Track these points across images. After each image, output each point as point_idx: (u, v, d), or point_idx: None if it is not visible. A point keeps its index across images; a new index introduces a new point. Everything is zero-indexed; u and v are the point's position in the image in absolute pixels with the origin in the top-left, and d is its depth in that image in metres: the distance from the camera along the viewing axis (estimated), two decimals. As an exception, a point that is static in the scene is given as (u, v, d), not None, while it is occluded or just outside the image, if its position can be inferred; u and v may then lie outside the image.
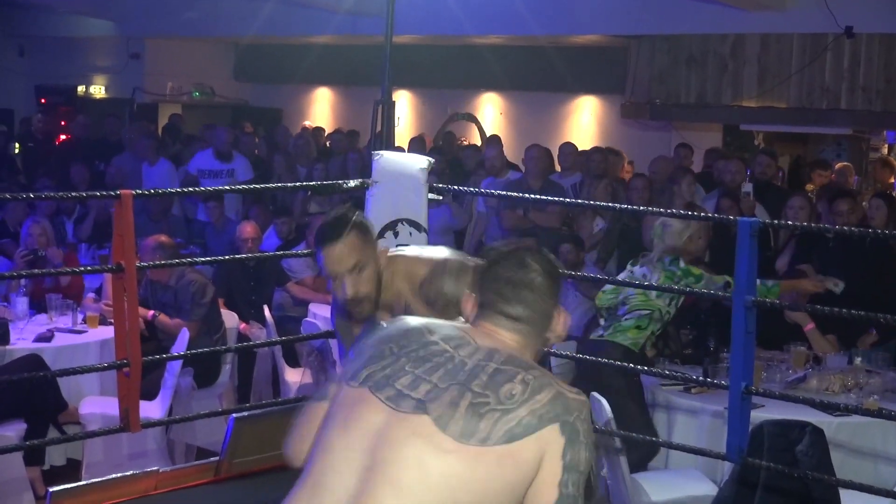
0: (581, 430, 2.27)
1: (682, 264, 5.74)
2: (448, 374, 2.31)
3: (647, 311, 5.73)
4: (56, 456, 6.14)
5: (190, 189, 7.98)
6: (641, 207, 6.59)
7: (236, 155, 10.54)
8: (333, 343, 6.82)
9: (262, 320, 7.52)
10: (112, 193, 4.88)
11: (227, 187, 8.33)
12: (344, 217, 3.34)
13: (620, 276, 5.99)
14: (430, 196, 5.19)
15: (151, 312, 6.66)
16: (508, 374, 2.30)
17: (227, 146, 10.46)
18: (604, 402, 5.15)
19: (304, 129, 13.96)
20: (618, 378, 5.58)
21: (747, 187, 8.19)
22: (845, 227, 6.53)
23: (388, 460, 2.23)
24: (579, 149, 10.40)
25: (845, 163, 10.84)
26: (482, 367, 2.31)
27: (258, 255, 7.55)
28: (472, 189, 7.82)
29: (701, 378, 5.18)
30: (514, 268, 2.46)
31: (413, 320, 2.52)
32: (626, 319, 5.78)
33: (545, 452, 2.24)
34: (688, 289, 5.60)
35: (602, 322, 6.04)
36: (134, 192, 4.81)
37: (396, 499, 2.19)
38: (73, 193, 8.06)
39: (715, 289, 5.57)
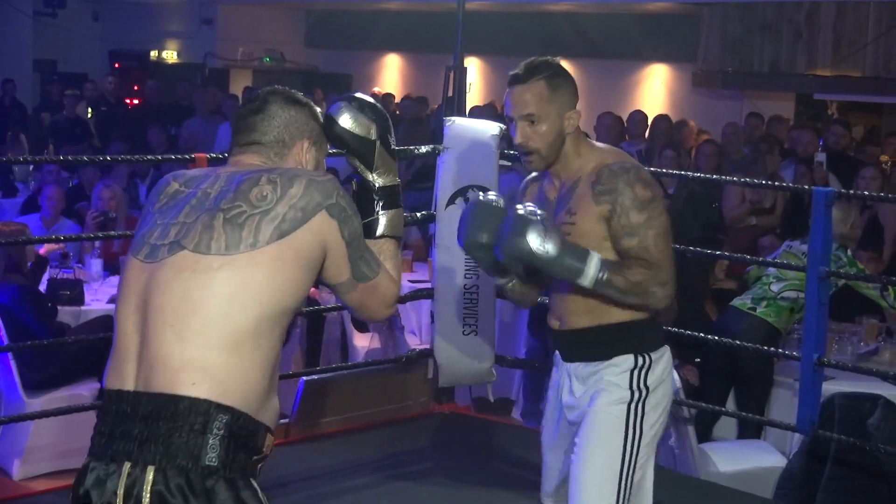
0: (345, 205, 2.30)
1: (848, 252, 5.59)
2: (194, 209, 2.28)
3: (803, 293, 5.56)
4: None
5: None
6: (711, 176, 6.51)
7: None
8: (402, 308, 6.87)
9: (331, 285, 7.56)
10: (187, 157, 4.94)
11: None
12: (541, 64, 3.05)
13: (780, 250, 5.85)
14: (501, 162, 5.19)
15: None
16: (252, 180, 2.28)
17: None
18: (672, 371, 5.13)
19: (374, 95, 13.97)
20: (756, 360, 5.49)
21: (820, 157, 8.08)
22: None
23: (158, 305, 2.19)
24: (649, 117, 10.31)
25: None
26: (227, 189, 2.29)
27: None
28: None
29: (773, 349, 5.12)
30: (251, 104, 2.47)
31: (169, 175, 2.48)
32: (782, 299, 5.54)
33: (324, 239, 2.27)
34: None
35: (751, 293, 5.76)
36: (208, 154, 4.86)
37: (176, 334, 2.15)
38: (148, 157, 8.11)
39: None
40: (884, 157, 9.55)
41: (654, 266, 2.92)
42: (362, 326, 7.48)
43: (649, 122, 10.05)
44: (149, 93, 13.17)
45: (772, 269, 5.61)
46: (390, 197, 2.51)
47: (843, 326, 5.77)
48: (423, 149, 5.54)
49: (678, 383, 5.08)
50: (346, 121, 2.48)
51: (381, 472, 4.94)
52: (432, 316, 5.33)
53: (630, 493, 3.02)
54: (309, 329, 7.26)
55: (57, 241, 6.08)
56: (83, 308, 5.79)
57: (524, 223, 2.83)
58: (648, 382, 3.02)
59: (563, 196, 3.07)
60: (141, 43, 16.97)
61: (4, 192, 9.49)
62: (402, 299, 6.01)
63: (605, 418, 3.01)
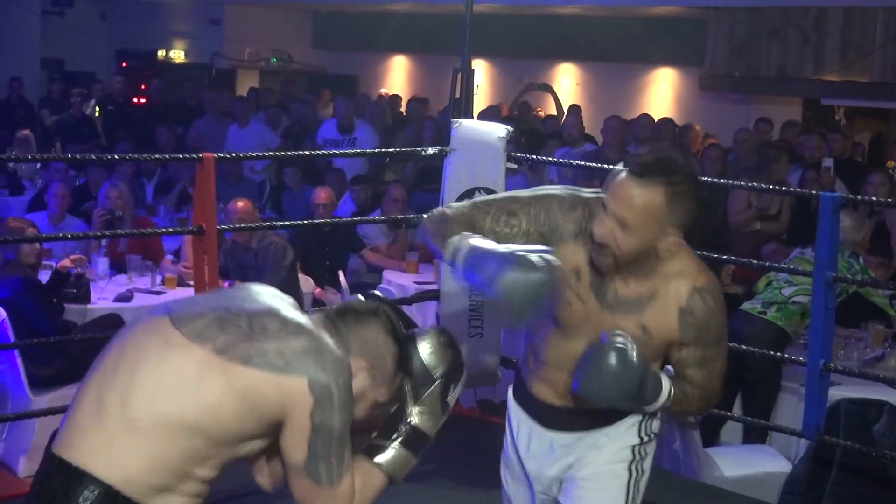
0: (336, 394, 2.11)
1: (860, 260, 5.58)
2: (216, 299, 2.26)
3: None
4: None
5: (264, 154, 8.05)
6: (717, 180, 6.51)
7: (360, 124, 10.41)
8: (407, 310, 6.86)
9: (337, 286, 7.55)
10: (195, 156, 4.93)
11: (300, 152, 8.40)
12: (668, 162, 2.56)
13: (792, 255, 5.84)
14: (508, 164, 5.18)
15: (228, 283, 6.72)
16: (272, 312, 2.17)
17: (346, 118, 10.34)
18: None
19: (381, 96, 13.96)
20: (764, 363, 5.47)
21: (828, 162, 8.08)
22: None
23: (111, 354, 2.20)
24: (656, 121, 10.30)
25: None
26: (254, 302, 2.21)
27: (334, 220, 7.58)
28: (550, 159, 7.81)
29: (779, 354, 5.11)
30: (364, 310, 2.32)
31: None
32: (792, 303, 5.53)
33: (289, 405, 2.09)
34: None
35: (758, 293, 5.76)
36: (216, 155, 4.86)
37: (96, 393, 2.15)
38: (156, 156, 8.11)
39: None
40: (891, 163, 9.55)
41: (710, 393, 2.81)
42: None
43: (655, 126, 10.05)
44: (155, 92, 13.18)
45: (783, 275, 5.60)
46: (415, 442, 2.33)
47: (849, 332, 5.76)
48: (430, 150, 5.55)
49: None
50: (424, 346, 2.35)
51: (385, 473, 4.93)
52: (438, 318, 5.32)
53: None
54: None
55: (64, 238, 6.08)
56: (89, 306, 5.80)
57: (637, 378, 2.64)
58: (653, 429, 2.93)
59: (627, 296, 2.71)
60: (148, 42, 16.98)
61: (11, 191, 9.50)
62: (409, 301, 6.01)
63: (609, 475, 2.89)
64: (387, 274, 7.67)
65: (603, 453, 2.87)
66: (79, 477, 2.05)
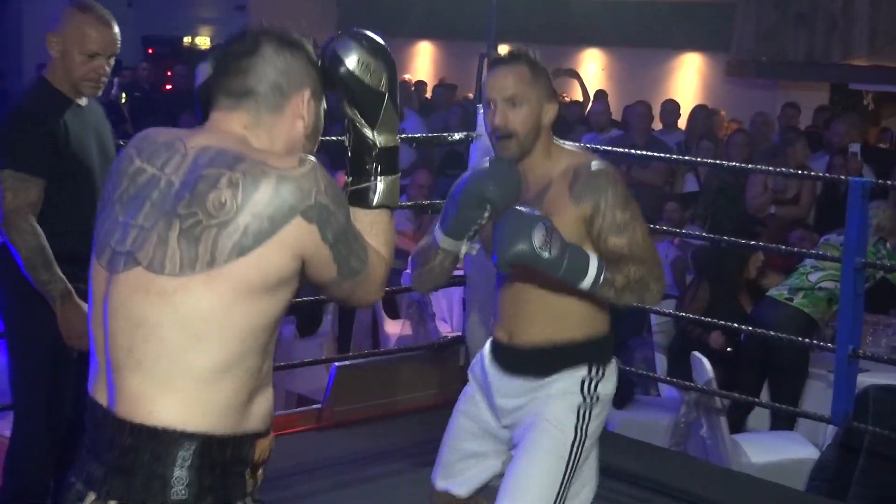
0: (326, 201, 1.91)
1: (887, 245, 5.55)
2: (154, 207, 1.93)
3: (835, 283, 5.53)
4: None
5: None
6: (745, 165, 6.46)
7: (408, 113, 10.35)
8: (433, 295, 6.86)
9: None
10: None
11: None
12: (523, 51, 2.94)
13: (820, 241, 5.81)
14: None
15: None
16: (210, 180, 1.89)
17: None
18: (705, 361, 5.10)
19: (405, 82, 13.96)
20: (791, 350, 5.45)
21: (854, 147, 8.02)
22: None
23: (115, 329, 1.91)
24: (682, 106, 10.27)
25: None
26: (188, 182, 1.91)
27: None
28: (577, 144, 7.77)
29: (807, 340, 5.09)
30: (240, 43, 2.06)
31: (129, 145, 2.08)
32: (819, 289, 5.52)
33: (300, 248, 1.91)
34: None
35: (787, 283, 5.73)
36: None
37: (134, 361, 1.89)
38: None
39: None
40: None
41: (646, 262, 2.85)
42: (393, 313, 7.49)
43: (681, 112, 10.01)
44: (181, 79, 13.20)
45: (809, 260, 5.57)
46: (390, 160, 2.11)
47: (877, 318, 5.73)
48: (457, 135, 5.56)
49: (710, 374, 5.06)
50: (355, 64, 2.05)
51: (411, 458, 4.94)
52: (464, 303, 5.32)
53: (565, 500, 2.94)
54: (340, 315, 7.28)
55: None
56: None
57: (528, 223, 2.69)
58: (598, 392, 2.96)
59: (533, 198, 2.91)
60: (174, 29, 17.05)
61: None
62: (435, 286, 6.01)
63: (551, 429, 2.92)
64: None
65: (548, 408, 2.94)
66: (168, 438, 1.86)
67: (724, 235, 5.46)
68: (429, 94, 13.14)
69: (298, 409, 5.61)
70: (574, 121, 10.32)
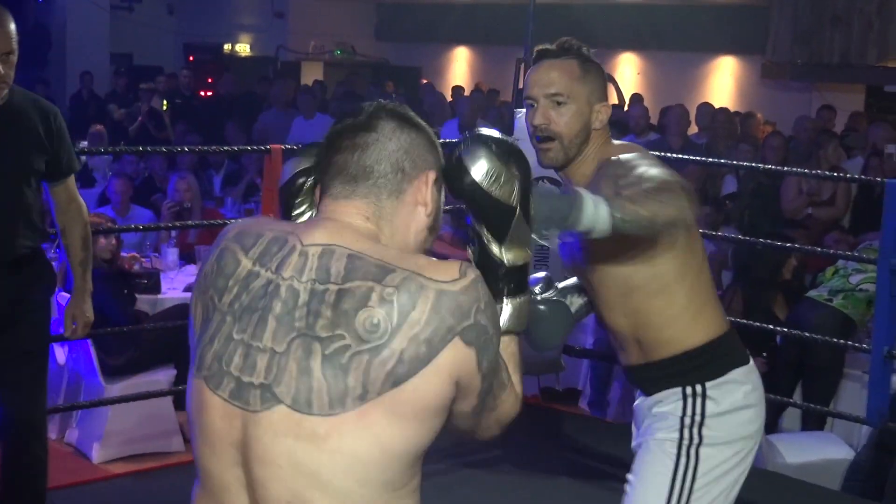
0: (486, 322, 1.66)
1: None
2: (281, 325, 1.65)
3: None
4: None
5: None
6: (779, 167, 6.46)
7: (482, 125, 10.30)
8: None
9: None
10: (263, 148, 4.99)
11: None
12: (574, 43, 2.61)
13: (863, 245, 5.78)
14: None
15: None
16: (359, 297, 1.62)
17: (468, 117, 10.21)
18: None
19: (427, 85, 13.97)
20: (827, 350, 5.40)
21: (891, 148, 7.98)
22: None
23: (265, 480, 1.66)
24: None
25: None
26: (320, 294, 1.64)
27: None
28: (629, 143, 7.77)
29: (842, 341, 5.07)
30: (356, 119, 1.79)
31: (227, 239, 1.80)
32: (860, 290, 5.46)
33: (457, 376, 1.65)
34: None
35: (826, 282, 5.69)
36: (284, 146, 4.91)
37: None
38: (225, 147, 8.18)
39: None
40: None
41: (656, 190, 2.32)
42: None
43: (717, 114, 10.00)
44: (222, 85, 13.30)
45: (851, 263, 5.55)
46: (519, 280, 1.86)
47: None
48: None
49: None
50: (483, 175, 1.78)
51: (451, 458, 4.96)
52: (502, 306, 5.32)
53: None
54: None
55: (136, 230, 6.17)
56: (160, 297, 5.86)
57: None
58: (706, 414, 2.58)
59: None
60: (215, 36, 17.14)
61: (83, 183, 9.62)
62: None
63: (654, 454, 2.64)
64: (450, 262, 7.69)
65: (657, 426, 2.65)
66: None
67: (761, 237, 5.45)
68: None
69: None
70: (610, 124, 10.27)
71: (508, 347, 1.84)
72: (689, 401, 2.59)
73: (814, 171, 5.87)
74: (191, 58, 16.84)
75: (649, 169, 2.40)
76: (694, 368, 2.59)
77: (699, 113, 9.87)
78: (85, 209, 3.72)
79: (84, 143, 9.70)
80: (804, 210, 7.52)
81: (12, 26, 3.31)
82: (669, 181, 2.36)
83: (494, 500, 4.67)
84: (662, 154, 6.51)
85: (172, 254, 6.53)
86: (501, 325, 1.81)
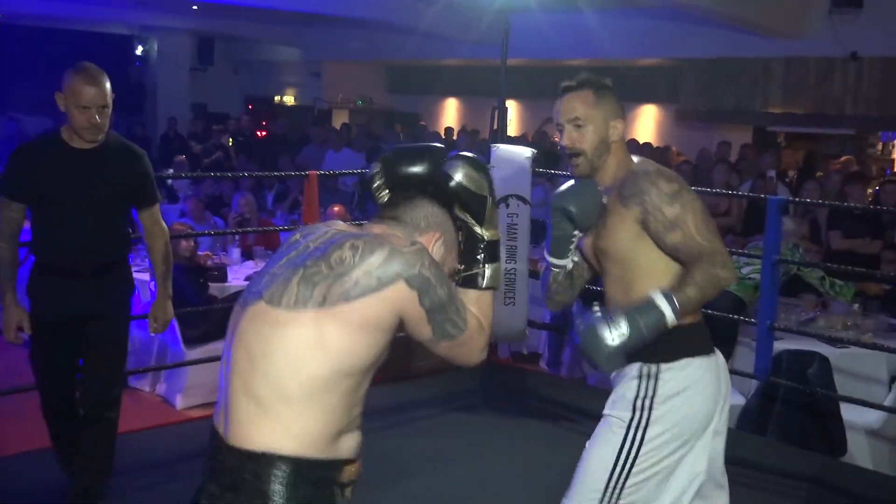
0: (429, 275, 1.76)
1: (800, 250, 5.49)
2: (290, 261, 1.82)
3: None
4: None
5: (353, 171, 8.09)
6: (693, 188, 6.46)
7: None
8: (543, 273, 6.83)
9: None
10: (303, 174, 4.98)
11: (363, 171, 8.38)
12: (588, 76, 2.56)
13: (751, 244, 5.76)
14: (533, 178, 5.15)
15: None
16: (339, 243, 1.77)
17: (462, 150, 10.12)
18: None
19: (424, 126, 13.94)
20: (724, 324, 5.39)
21: (771, 173, 7.97)
22: (856, 205, 6.31)
23: (233, 357, 1.79)
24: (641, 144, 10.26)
25: (849, 156, 10.45)
26: (321, 247, 1.81)
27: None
28: (565, 173, 7.76)
29: (736, 317, 5.06)
30: (404, 192, 1.93)
31: (298, 231, 1.97)
32: (748, 279, 5.40)
33: (400, 307, 1.75)
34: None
35: None
36: (318, 172, 4.89)
37: (244, 387, 1.75)
38: (275, 173, 8.16)
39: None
40: (820, 174, 9.40)
41: (706, 252, 2.27)
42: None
43: (642, 148, 10.01)
44: (273, 127, 13.27)
45: (742, 258, 5.55)
46: (494, 250, 1.95)
47: (789, 301, 5.68)
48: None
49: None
50: (461, 176, 1.90)
51: (441, 405, 4.94)
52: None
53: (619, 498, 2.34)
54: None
55: (209, 235, 6.14)
56: (226, 284, 5.84)
57: (588, 333, 2.22)
58: (656, 394, 2.34)
59: (602, 208, 2.46)
60: (268, 90, 17.14)
61: (169, 200, 9.63)
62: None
63: (605, 429, 2.42)
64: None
65: (614, 403, 2.42)
66: (266, 460, 1.72)
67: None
68: (455, 137, 13.12)
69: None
70: (561, 156, 10.27)
71: (485, 299, 1.92)
72: (644, 381, 2.36)
73: (714, 190, 5.83)
74: (250, 106, 16.81)
75: (689, 214, 2.31)
76: (656, 347, 2.30)
77: (630, 147, 9.86)
78: (166, 231, 3.61)
79: (170, 171, 9.71)
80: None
81: (108, 85, 3.25)
82: (716, 241, 2.30)
83: (474, 440, 4.65)
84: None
85: (236, 252, 6.50)
86: (483, 284, 1.91)
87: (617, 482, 2.33)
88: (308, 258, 1.78)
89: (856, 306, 5.60)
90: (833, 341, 4.93)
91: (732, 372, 5.20)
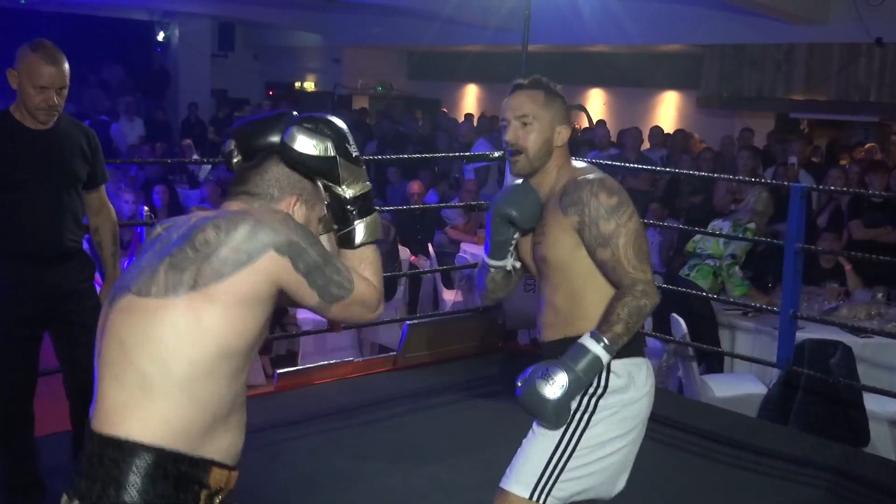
0: (298, 239, 1.73)
1: (751, 225, 5.54)
2: (155, 253, 1.74)
3: (718, 259, 5.56)
4: (279, 348, 6.31)
5: (374, 157, 8.08)
6: (711, 174, 6.40)
7: (480, 139, 10.11)
8: (479, 271, 6.84)
9: (427, 254, 7.57)
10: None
11: (397, 156, 8.36)
12: (542, 79, 2.50)
13: (713, 224, 5.78)
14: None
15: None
16: (200, 227, 1.72)
17: (487, 136, 10.00)
18: (681, 321, 5.05)
19: (445, 113, 13.90)
20: (701, 307, 5.40)
21: (792, 160, 7.89)
22: (880, 193, 6.24)
23: (101, 348, 1.73)
24: (665, 130, 10.20)
25: (872, 143, 10.33)
26: (184, 234, 1.74)
27: (424, 206, 7.59)
28: (584, 159, 7.72)
29: (758, 305, 5.02)
30: (251, 162, 1.90)
31: (158, 224, 1.90)
32: (704, 265, 5.51)
33: (275, 276, 1.71)
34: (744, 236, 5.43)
35: (689, 262, 5.70)
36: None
37: (112, 376, 1.68)
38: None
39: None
40: (843, 161, 9.31)
41: (628, 283, 2.29)
42: (449, 284, 7.48)
43: (664, 135, 9.95)
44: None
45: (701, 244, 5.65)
46: (364, 204, 1.89)
47: (811, 289, 5.64)
48: (496, 154, 5.54)
49: (684, 329, 5.00)
50: (301, 145, 1.82)
51: (463, 391, 4.94)
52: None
53: (555, 485, 2.36)
54: (410, 286, 7.29)
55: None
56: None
57: (529, 394, 2.27)
58: (610, 384, 2.36)
59: (541, 212, 2.44)
60: (289, 76, 17.12)
61: (191, 185, 9.67)
62: (476, 264, 5.99)
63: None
64: (464, 245, 7.66)
65: None
66: (128, 448, 1.64)
67: (697, 227, 5.39)
68: (475, 124, 13.09)
69: (380, 356, 5.63)
70: (581, 142, 10.25)
71: (367, 254, 1.90)
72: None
73: (735, 177, 5.78)
74: (270, 92, 16.81)
75: (622, 233, 2.30)
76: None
77: (653, 133, 9.82)
78: (113, 212, 3.48)
79: (195, 156, 9.72)
80: (730, 205, 7.44)
81: (66, 66, 3.14)
82: (640, 266, 2.30)
83: (497, 426, 4.65)
84: (622, 164, 6.46)
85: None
86: (357, 241, 1.89)
87: (556, 467, 2.37)
88: (173, 247, 1.72)
89: (879, 295, 5.56)
90: (856, 331, 4.89)
91: (755, 360, 5.21)
